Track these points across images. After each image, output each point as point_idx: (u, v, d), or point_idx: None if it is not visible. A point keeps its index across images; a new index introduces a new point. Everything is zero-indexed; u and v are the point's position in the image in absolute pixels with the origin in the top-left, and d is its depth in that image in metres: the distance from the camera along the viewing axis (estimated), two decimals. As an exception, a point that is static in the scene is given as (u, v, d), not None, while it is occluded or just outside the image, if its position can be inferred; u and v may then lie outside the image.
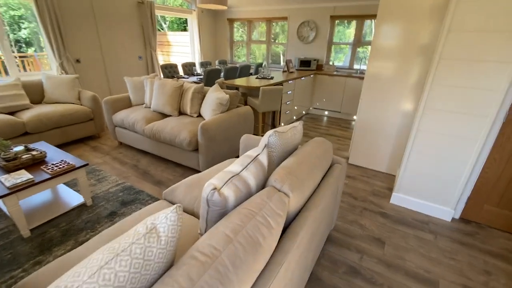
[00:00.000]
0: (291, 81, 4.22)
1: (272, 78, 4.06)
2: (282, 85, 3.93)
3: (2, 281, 1.55)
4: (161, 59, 8.59)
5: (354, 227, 2.10)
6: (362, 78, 4.54)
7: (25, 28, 4.44)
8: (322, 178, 1.50)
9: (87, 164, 2.13)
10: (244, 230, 0.82)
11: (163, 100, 3.06)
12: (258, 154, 1.22)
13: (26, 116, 2.99)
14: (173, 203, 1.58)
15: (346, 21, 5.25)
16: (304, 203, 1.22)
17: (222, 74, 4.72)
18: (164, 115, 3.19)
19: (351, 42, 5.20)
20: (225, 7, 4.63)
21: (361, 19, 4.94)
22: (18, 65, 5.77)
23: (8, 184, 1.76)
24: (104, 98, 3.32)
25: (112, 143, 3.58)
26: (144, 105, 3.35)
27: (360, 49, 5.17)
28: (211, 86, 3.95)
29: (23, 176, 1.86)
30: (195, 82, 4.62)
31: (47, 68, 4.15)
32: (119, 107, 3.38)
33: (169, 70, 4.83)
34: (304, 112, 5.32)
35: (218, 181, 0.97)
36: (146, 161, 3.09)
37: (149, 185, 2.61)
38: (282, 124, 4.43)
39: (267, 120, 3.90)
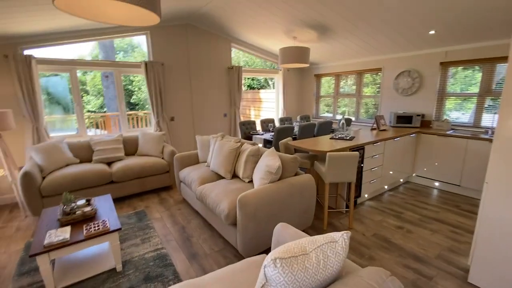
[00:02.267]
0: (378, 143, 3.37)
1: (351, 138, 3.36)
2: (363, 148, 3.16)
3: None
4: (253, 114, 9.21)
5: None
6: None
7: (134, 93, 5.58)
8: None
9: (120, 229, 2.08)
10: None
11: (219, 161, 2.93)
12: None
13: (115, 167, 3.48)
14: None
15: (462, 67, 4.04)
16: None
17: (296, 131, 4.37)
18: (220, 177, 3.03)
19: (476, 93, 3.87)
20: (306, 65, 4.49)
21: (486, 62, 3.67)
22: (129, 122, 7.35)
23: (45, 242, 1.85)
24: (175, 155, 3.53)
25: (178, 197, 3.68)
26: (206, 163, 3.33)
27: (492, 101, 3.75)
28: (279, 145, 3.62)
29: (63, 234, 1.95)
30: (266, 140, 4.45)
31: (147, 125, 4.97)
32: (187, 164, 3.50)
33: (247, 127, 4.90)
34: (402, 181, 4.12)
35: None
36: (195, 224, 2.91)
37: (183, 257, 2.34)
38: (366, 196, 3.49)
39: (341, 191, 3.12)
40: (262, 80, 12.35)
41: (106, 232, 2.02)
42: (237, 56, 12.54)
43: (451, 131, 3.86)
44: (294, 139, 4.12)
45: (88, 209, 2.26)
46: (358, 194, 3.30)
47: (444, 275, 2.08)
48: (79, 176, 3.19)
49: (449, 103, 4.19)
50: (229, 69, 5.22)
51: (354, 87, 5.60)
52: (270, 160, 2.38)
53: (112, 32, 3.98)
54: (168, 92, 4.63)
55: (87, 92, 11.48)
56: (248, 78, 13.12)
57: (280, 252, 0.92)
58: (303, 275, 0.89)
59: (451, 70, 4.12)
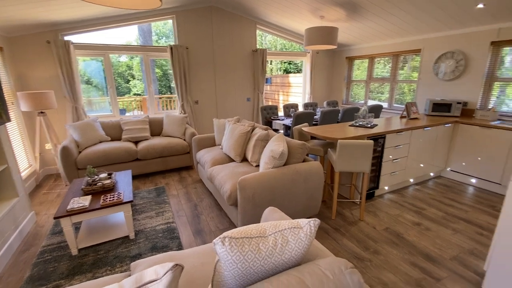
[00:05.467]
0: (403, 132, 3.10)
1: (373, 126, 3.13)
2: (384, 137, 2.94)
3: (26, 294, 1.79)
4: (282, 99, 9.04)
5: None
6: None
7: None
8: None
9: (131, 201, 2.28)
10: None
11: (230, 144, 2.98)
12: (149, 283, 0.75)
13: (140, 146, 3.76)
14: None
15: (524, 47, 3.43)
16: None
17: (317, 117, 4.21)
18: (231, 159, 3.09)
19: (534, 77, 3.28)
20: (333, 47, 4.22)
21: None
22: (159, 104, 7.69)
23: (68, 207, 2.11)
24: (193, 137, 3.67)
25: (196, 177, 3.86)
26: (220, 146, 3.41)
27: (553, 88, 3.15)
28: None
29: (83, 202, 2.20)
30: (286, 126, 4.37)
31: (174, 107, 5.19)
32: (204, 145, 3.63)
33: (268, 112, 4.85)
34: (432, 175, 3.77)
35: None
36: (207, 203, 3.05)
37: (189, 232, 2.49)
38: (386, 188, 3.28)
39: (356, 181, 2.97)
40: (299, 64, 11.92)
41: (120, 203, 2.23)
42: (274, 39, 12.22)
43: (497, 122, 3.37)
44: (315, 125, 3.98)
45: (107, 181, 2.50)
46: (376, 185, 3.11)
47: (456, 278, 1.91)
48: (109, 152, 3.52)
49: (510, 91, 3.57)
50: (254, 52, 5.15)
51: (388, 70, 5.13)
52: (275, 145, 2.36)
53: (141, 17, 4.16)
54: (193, 76, 4.76)
55: (133, 77, 12.30)
56: (284, 62, 12.79)
57: (235, 232, 0.93)
58: (254, 256, 0.89)
59: (504, 50, 3.52)
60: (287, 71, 12.70)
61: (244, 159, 3.01)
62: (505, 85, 3.59)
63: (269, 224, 1.03)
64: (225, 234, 0.91)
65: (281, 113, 5.24)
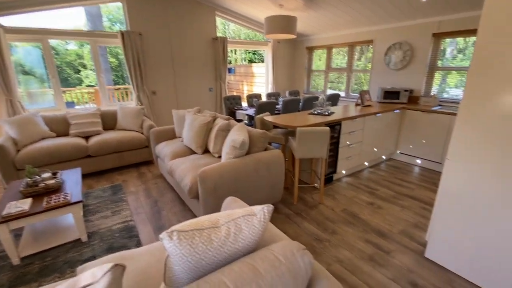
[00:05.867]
0: (357, 119, 3.27)
1: (330, 114, 3.26)
2: (340, 124, 3.08)
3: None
4: (246, 89, 9.00)
5: None
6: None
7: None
8: None
9: (81, 201, 2.10)
10: None
11: (191, 136, 2.88)
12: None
13: (91, 141, 3.46)
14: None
15: (456, 38, 3.81)
16: None
17: (280, 106, 4.26)
18: (192, 152, 2.99)
19: (467, 67, 3.68)
20: (293, 36, 4.25)
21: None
22: (114, 96, 7.18)
23: (4, 212, 1.87)
24: (151, 129, 3.47)
25: (156, 172, 3.69)
26: (181, 138, 3.29)
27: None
28: (258, 120, 3.54)
29: (22, 206, 1.96)
30: (248, 116, 4.35)
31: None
32: (163, 138, 3.46)
33: (231, 102, 4.79)
34: (384, 157, 4.07)
35: None
36: (168, 198, 2.94)
37: (149, 229, 2.38)
38: (344, 172, 3.47)
39: (315, 167, 3.09)
40: (264, 54, 11.87)
41: (66, 204, 2.03)
42: (238, 28, 11.94)
43: (437, 107, 3.73)
44: (278, 114, 4.02)
45: (51, 182, 2.26)
46: (334, 170, 3.27)
47: (403, 249, 2.10)
48: (54, 149, 3.18)
49: (450, 79, 3.95)
50: (214, 40, 4.99)
51: (345, 61, 5.36)
52: (236, 135, 2.33)
53: (84, -2, 3.76)
54: (149, 65, 4.47)
55: (84, 66, 11.16)
56: (249, 52, 12.60)
57: (184, 225, 0.89)
58: (205, 248, 0.86)
59: (445, 42, 3.89)
60: (251, 61, 12.58)
61: (206, 151, 2.94)
62: (445, 74, 3.97)
63: (223, 214, 1.01)
64: (173, 228, 0.86)
65: (244, 103, 5.20)
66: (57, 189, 2.27)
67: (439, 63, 3.98)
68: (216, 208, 2.15)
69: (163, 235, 0.83)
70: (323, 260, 1.99)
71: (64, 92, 8.05)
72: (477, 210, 1.65)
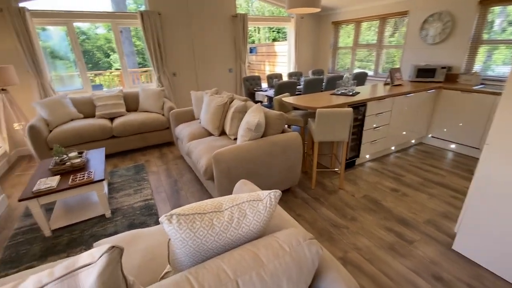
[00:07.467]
0: (385, 99, 3.03)
1: (354, 94, 3.04)
2: (365, 105, 2.87)
3: (-4, 277, 1.74)
4: (268, 70, 8.74)
5: None
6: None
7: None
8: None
9: (103, 180, 2.19)
10: None
11: (207, 117, 2.86)
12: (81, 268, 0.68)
13: (116, 122, 3.58)
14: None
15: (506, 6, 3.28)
16: None
17: (301, 86, 4.07)
18: (210, 133, 2.98)
19: (520, 38, 3.19)
20: (317, 9, 3.94)
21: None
22: (139, 79, 7.27)
23: (34, 189, 2.01)
24: (171, 111, 3.50)
25: (177, 153, 3.76)
26: (199, 120, 3.28)
27: (537, 49, 3.08)
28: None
29: (51, 182, 2.09)
30: (268, 97, 4.23)
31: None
32: (183, 120, 3.48)
33: (251, 83, 4.66)
34: (413, 142, 3.79)
35: None
36: (188, 179, 2.99)
37: (168, 208, 2.45)
38: (367, 156, 3.29)
39: (336, 151, 2.94)
40: (287, 31, 11.31)
41: (90, 182, 2.13)
42: (262, 5, 11.41)
43: (480, 86, 3.33)
44: (299, 95, 3.85)
45: (77, 160, 2.38)
46: (357, 154, 3.10)
47: (428, 240, 1.96)
48: (82, 130, 3.34)
49: (498, 55, 3.46)
50: (233, 17, 4.81)
51: (376, 37, 4.93)
52: (251, 116, 2.25)
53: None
54: (169, 46, 4.44)
55: (113, 50, 11.47)
56: (273, 31, 12.10)
57: (185, 208, 0.86)
58: (207, 232, 0.83)
59: (492, 10, 3.38)
60: (275, 40, 12.08)
61: (223, 133, 2.91)
62: (491, 49, 3.48)
63: (227, 198, 0.97)
64: (173, 211, 0.84)
65: (265, 84, 5.05)
66: (82, 167, 2.39)
67: (485, 36, 3.50)
68: (231, 190, 2.14)
69: (163, 218, 0.80)
70: (339, 247, 1.92)
71: (95, 75, 8.41)
72: (518, 202, 1.46)
